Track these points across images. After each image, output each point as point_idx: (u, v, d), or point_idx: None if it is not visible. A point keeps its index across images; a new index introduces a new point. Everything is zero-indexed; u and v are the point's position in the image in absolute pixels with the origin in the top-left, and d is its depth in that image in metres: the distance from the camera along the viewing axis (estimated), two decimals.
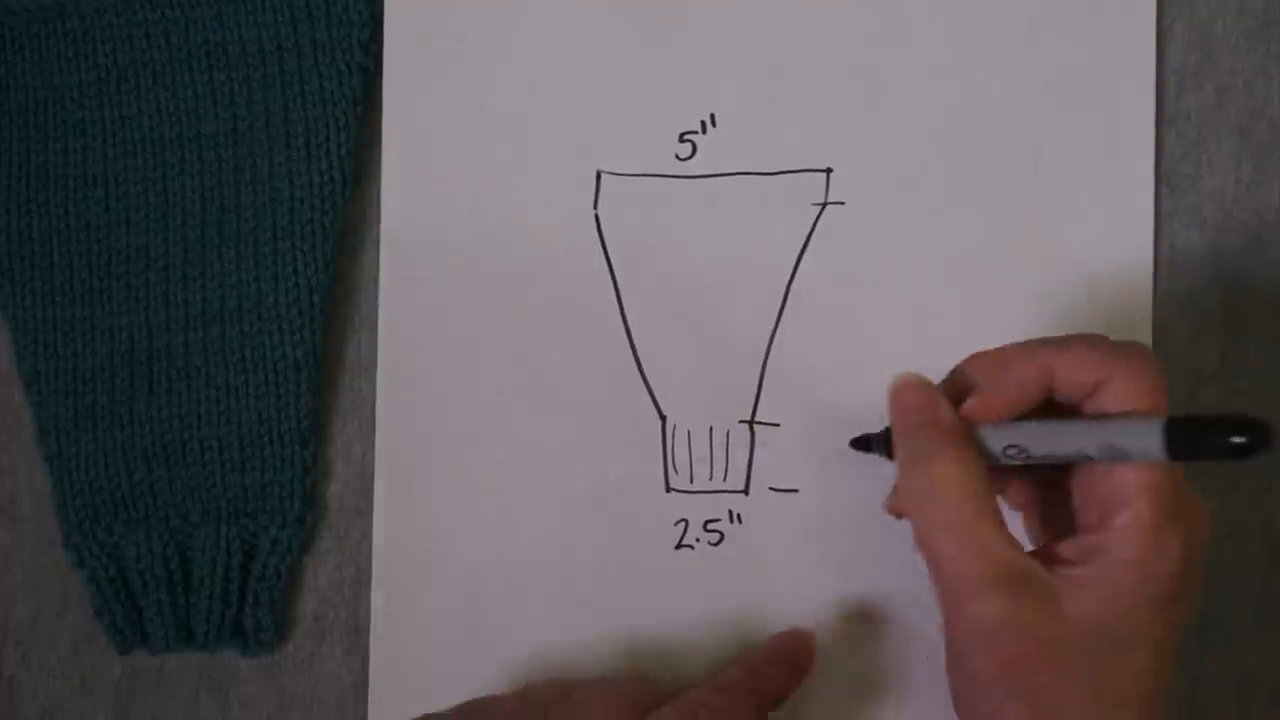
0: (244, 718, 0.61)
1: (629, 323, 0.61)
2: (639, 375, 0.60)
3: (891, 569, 0.59)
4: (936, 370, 0.59)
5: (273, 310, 0.60)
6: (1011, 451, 0.52)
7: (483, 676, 0.60)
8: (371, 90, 0.62)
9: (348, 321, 0.62)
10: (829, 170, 0.60)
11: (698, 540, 0.60)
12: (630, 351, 0.60)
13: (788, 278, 0.60)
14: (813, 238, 0.60)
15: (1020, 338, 0.59)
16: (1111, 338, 0.53)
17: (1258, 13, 0.61)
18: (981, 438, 0.52)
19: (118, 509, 0.61)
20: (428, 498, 0.61)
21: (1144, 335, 0.60)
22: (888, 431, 0.55)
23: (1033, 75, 0.60)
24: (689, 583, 0.60)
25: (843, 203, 0.60)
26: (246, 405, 0.61)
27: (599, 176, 0.61)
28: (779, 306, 0.60)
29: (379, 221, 0.61)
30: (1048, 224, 0.59)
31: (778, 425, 0.60)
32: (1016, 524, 0.55)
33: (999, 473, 0.54)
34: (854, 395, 0.59)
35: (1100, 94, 0.60)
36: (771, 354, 0.60)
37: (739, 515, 0.60)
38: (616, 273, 0.61)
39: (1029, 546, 0.54)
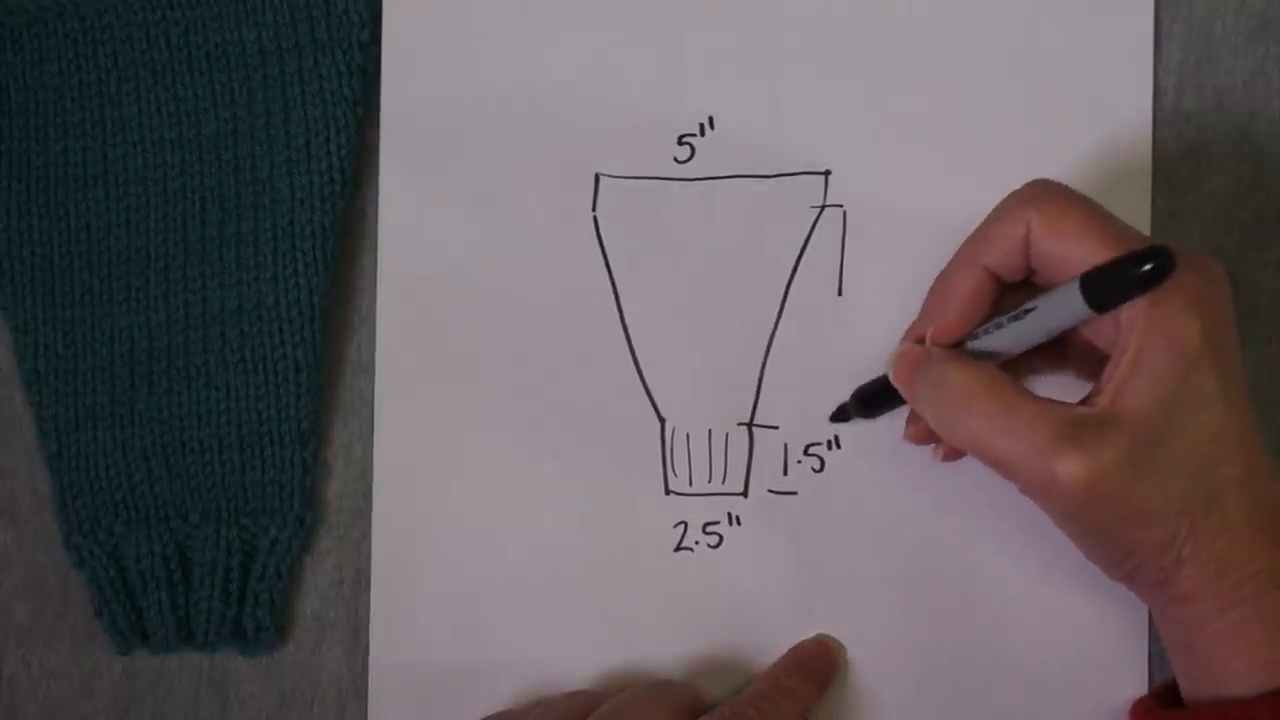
0: (244, 718, 0.61)
1: (627, 325, 0.61)
2: (638, 377, 0.60)
3: (891, 570, 0.60)
4: None
5: (273, 310, 0.60)
6: (991, 359, 0.55)
7: (482, 677, 0.60)
8: (371, 90, 0.62)
9: (348, 321, 0.62)
10: (827, 173, 0.60)
11: (697, 543, 0.60)
12: (629, 354, 0.61)
13: (786, 280, 0.60)
14: (811, 240, 0.60)
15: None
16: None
17: (1257, 13, 0.61)
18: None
19: (118, 509, 0.61)
20: (428, 498, 0.61)
21: None
22: (859, 391, 0.59)
23: (1031, 77, 0.60)
24: (688, 585, 0.60)
25: (841, 205, 0.60)
26: (246, 405, 0.61)
27: (597, 179, 0.61)
28: (778, 309, 0.60)
29: (379, 222, 0.61)
30: None
31: (776, 428, 0.60)
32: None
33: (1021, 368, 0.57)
34: None
35: (1099, 95, 0.60)
36: (770, 357, 0.60)
37: (738, 518, 0.60)
38: (615, 275, 0.61)
39: None
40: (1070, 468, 0.50)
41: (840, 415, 0.60)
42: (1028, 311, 0.53)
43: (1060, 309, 0.52)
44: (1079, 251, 0.52)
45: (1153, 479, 0.51)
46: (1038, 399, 0.52)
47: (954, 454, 0.57)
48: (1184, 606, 0.52)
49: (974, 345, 0.55)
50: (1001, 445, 0.52)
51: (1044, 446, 0.51)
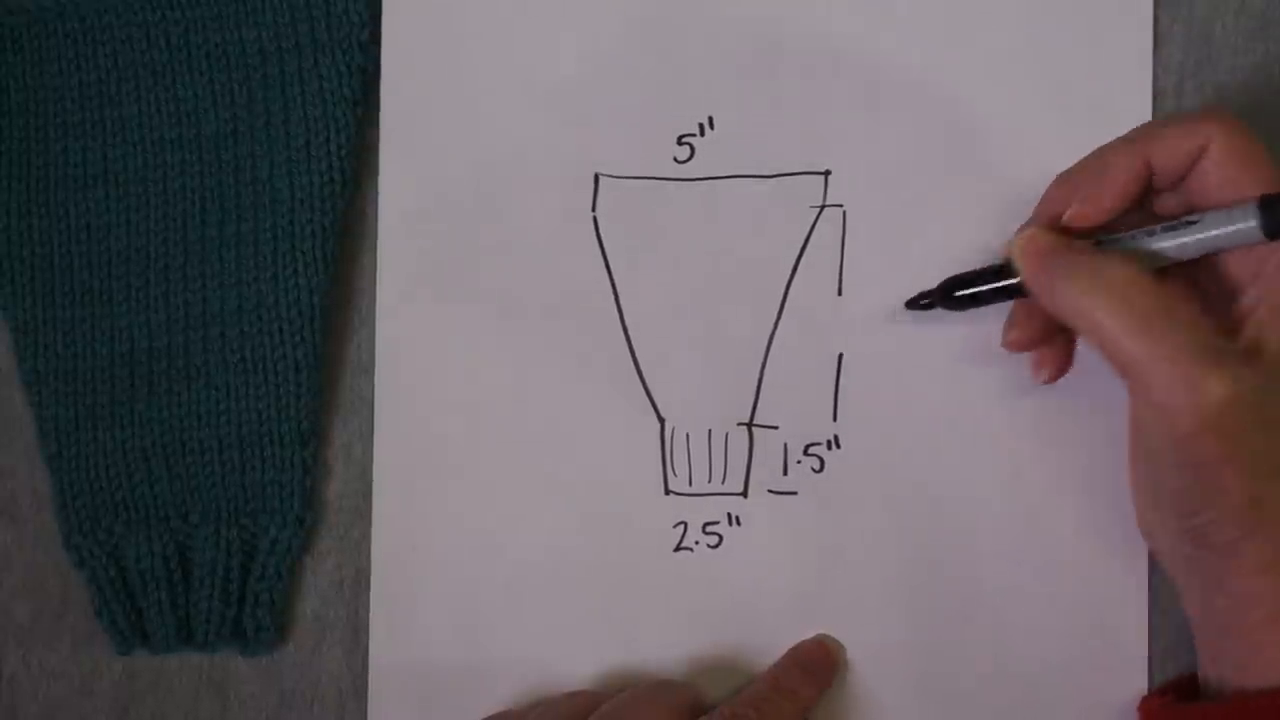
0: (244, 718, 0.61)
1: (627, 325, 0.61)
2: (638, 378, 0.60)
3: (890, 570, 0.60)
4: (934, 369, 0.60)
5: (273, 310, 0.60)
6: None
7: (482, 677, 0.60)
8: (371, 90, 0.62)
9: (348, 321, 0.62)
10: (827, 173, 0.60)
11: (696, 543, 0.60)
12: (629, 354, 0.61)
13: (786, 280, 0.60)
14: (811, 240, 0.60)
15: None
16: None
17: (1257, 13, 0.61)
18: None
19: (118, 509, 0.61)
20: (427, 498, 0.61)
21: None
22: (951, 280, 0.57)
23: (1031, 76, 0.60)
24: (688, 585, 0.60)
25: (841, 205, 0.60)
26: (246, 405, 0.61)
27: (597, 179, 0.61)
28: (777, 309, 0.60)
29: (379, 222, 0.61)
30: None
31: (776, 428, 0.60)
32: None
33: None
34: (852, 397, 0.60)
35: (1098, 95, 0.60)
36: (770, 357, 0.60)
37: (737, 518, 0.60)
38: (615, 275, 0.61)
39: None
40: (1213, 385, 0.49)
41: (920, 302, 0.58)
42: (1189, 223, 0.52)
43: (1229, 226, 0.51)
44: (1251, 178, 0.51)
45: (1274, 428, 0.50)
46: (1194, 309, 0.51)
47: (1057, 374, 0.56)
48: (1246, 579, 0.51)
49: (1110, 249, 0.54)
50: (1145, 348, 0.50)
51: (1195, 358, 0.49)
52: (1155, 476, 0.53)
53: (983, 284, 0.56)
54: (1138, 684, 0.59)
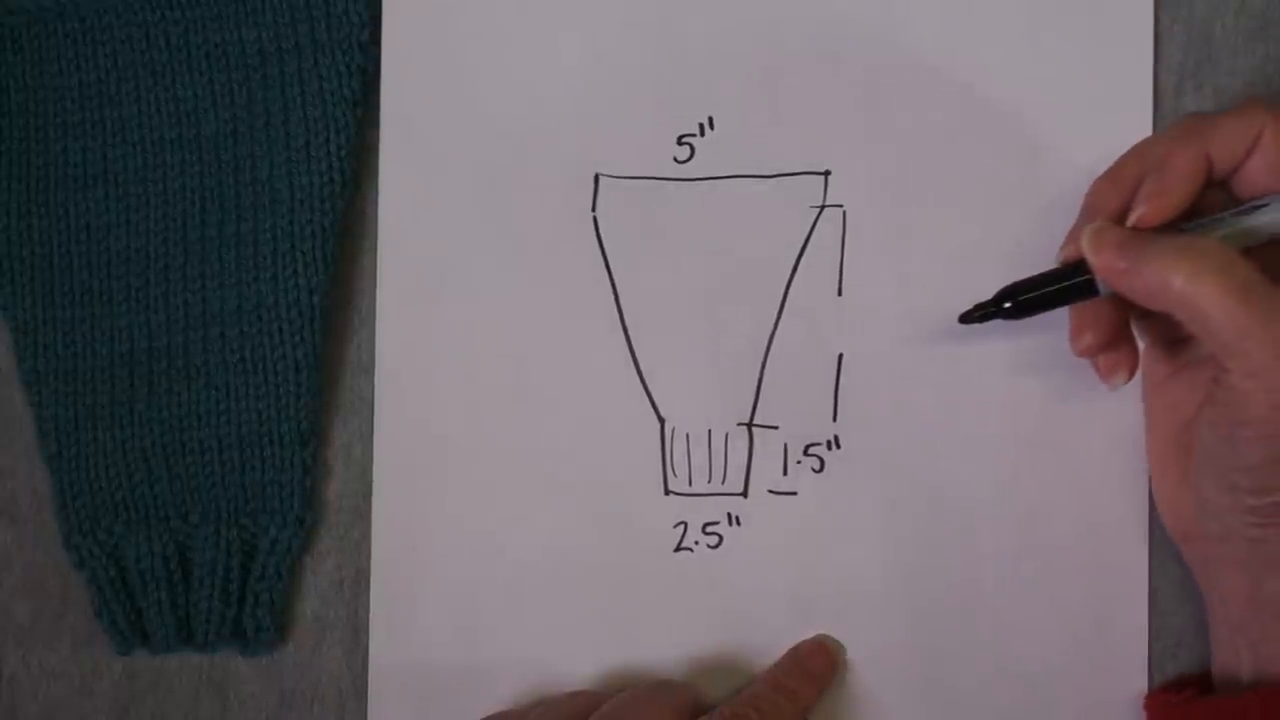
0: (244, 718, 0.61)
1: (627, 325, 0.61)
2: (638, 378, 0.60)
3: (890, 570, 0.60)
4: (934, 369, 0.60)
5: (273, 311, 0.60)
6: None
7: (482, 677, 0.60)
8: (371, 90, 0.62)
9: (348, 321, 0.62)
10: (827, 173, 0.60)
11: (696, 543, 0.60)
12: (629, 354, 0.60)
13: (786, 280, 0.60)
14: (811, 240, 0.60)
15: (1017, 339, 0.59)
16: None
17: (1257, 13, 0.61)
18: None
19: (118, 509, 0.61)
20: (427, 498, 0.61)
21: None
22: (1012, 288, 0.56)
23: (1031, 76, 0.60)
24: (688, 585, 0.60)
25: (841, 205, 0.60)
26: (246, 405, 0.61)
27: (597, 179, 0.61)
28: (777, 309, 0.60)
29: (379, 222, 0.61)
30: (1047, 226, 0.59)
31: (776, 428, 0.60)
32: None
33: None
34: (852, 397, 0.60)
35: (1099, 95, 0.60)
36: (770, 357, 0.60)
37: (738, 518, 0.60)
38: (615, 275, 0.61)
39: None
40: None
41: (976, 315, 0.57)
42: (1258, 207, 0.52)
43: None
44: None
45: None
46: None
47: (1131, 375, 0.56)
48: None
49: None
50: (1246, 314, 0.49)
51: None
52: (1234, 451, 0.52)
53: (1044, 288, 0.55)
54: (1138, 684, 0.59)
